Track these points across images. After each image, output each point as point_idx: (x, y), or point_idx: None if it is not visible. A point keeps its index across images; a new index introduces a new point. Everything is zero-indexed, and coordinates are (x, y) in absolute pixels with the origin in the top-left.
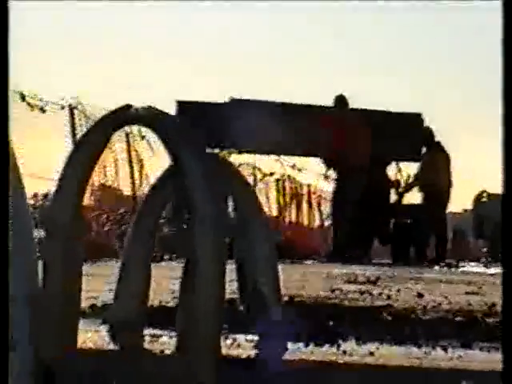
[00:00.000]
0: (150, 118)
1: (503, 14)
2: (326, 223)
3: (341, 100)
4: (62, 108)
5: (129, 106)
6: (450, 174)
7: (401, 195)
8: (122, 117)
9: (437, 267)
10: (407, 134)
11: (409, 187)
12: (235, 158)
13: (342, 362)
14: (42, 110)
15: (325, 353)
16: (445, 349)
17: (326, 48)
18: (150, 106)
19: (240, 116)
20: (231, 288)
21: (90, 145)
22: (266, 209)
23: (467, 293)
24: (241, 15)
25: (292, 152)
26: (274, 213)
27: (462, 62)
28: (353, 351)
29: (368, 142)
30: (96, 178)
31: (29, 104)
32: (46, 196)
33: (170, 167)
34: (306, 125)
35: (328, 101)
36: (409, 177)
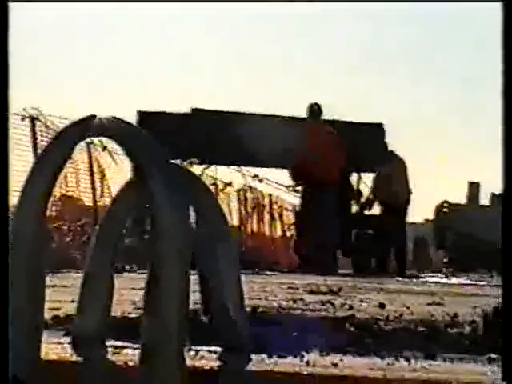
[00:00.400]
0: (115, 129)
1: (503, 14)
2: (288, 233)
3: (315, 109)
4: (23, 119)
5: (93, 117)
6: (408, 182)
7: (362, 206)
8: (86, 128)
9: (398, 278)
10: (369, 144)
11: (371, 202)
12: (196, 168)
13: (305, 373)
14: None
15: (288, 364)
16: (408, 360)
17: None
18: (115, 117)
19: (202, 126)
20: (193, 298)
21: (52, 156)
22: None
23: (429, 303)
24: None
25: (258, 164)
26: (236, 223)
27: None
28: (316, 362)
29: (342, 156)
30: (57, 189)
31: None
32: None
33: (131, 179)
34: (275, 136)
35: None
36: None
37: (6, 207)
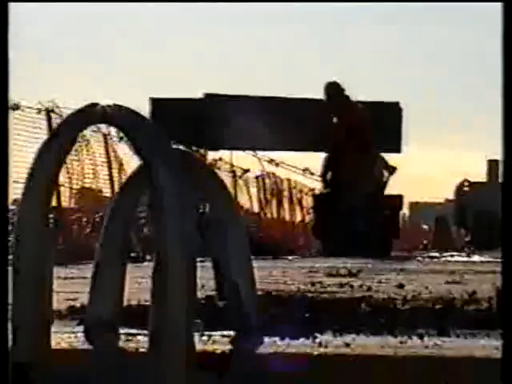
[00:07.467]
0: (117, 117)
1: (503, 14)
2: (308, 218)
3: (336, 88)
4: (39, 112)
5: (94, 105)
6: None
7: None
8: (88, 116)
9: (420, 258)
10: (385, 123)
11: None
12: (213, 155)
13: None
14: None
15: (300, 345)
16: (421, 337)
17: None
18: (117, 104)
19: (216, 112)
20: (210, 285)
21: (56, 145)
22: (247, 205)
23: (448, 282)
24: None
25: (274, 148)
26: (256, 209)
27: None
28: (328, 343)
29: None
30: (75, 181)
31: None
32: (15, 201)
33: (138, 168)
34: (291, 119)
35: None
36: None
37: (6, 206)
